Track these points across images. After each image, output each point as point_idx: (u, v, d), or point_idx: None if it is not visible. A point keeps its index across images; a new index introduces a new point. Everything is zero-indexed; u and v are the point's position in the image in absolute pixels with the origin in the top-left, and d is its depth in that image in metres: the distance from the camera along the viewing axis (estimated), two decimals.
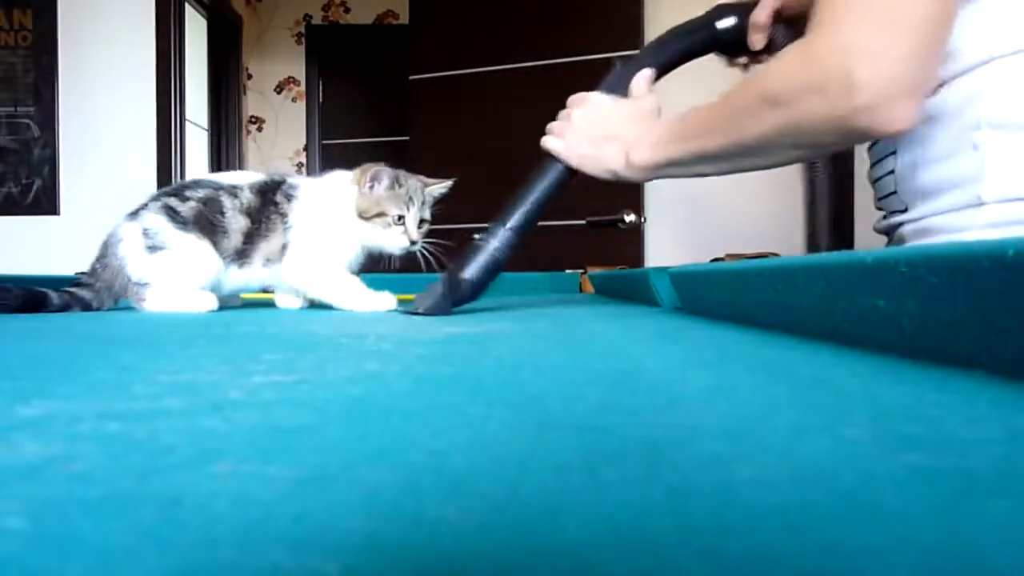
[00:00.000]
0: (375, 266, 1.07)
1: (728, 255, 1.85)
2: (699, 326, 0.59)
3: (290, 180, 1.05)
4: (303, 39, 4.11)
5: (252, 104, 4.16)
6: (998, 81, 0.59)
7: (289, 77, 4.14)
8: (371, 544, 0.12)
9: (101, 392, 0.29)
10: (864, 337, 0.36)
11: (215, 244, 0.98)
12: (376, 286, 0.99)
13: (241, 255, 1.00)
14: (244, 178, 1.04)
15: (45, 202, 2.76)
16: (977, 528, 0.13)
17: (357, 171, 1.03)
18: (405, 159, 2.79)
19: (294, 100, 4.13)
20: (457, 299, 0.78)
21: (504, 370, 0.35)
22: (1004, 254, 0.25)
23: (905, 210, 0.69)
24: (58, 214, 2.77)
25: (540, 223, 0.81)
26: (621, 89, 0.81)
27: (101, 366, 0.39)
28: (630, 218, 2.37)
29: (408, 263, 1.06)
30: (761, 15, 0.76)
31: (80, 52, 2.77)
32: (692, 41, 0.82)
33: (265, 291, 1.15)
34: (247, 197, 1.00)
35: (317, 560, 0.11)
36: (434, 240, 1.04)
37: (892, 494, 0.15)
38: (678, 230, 2.56)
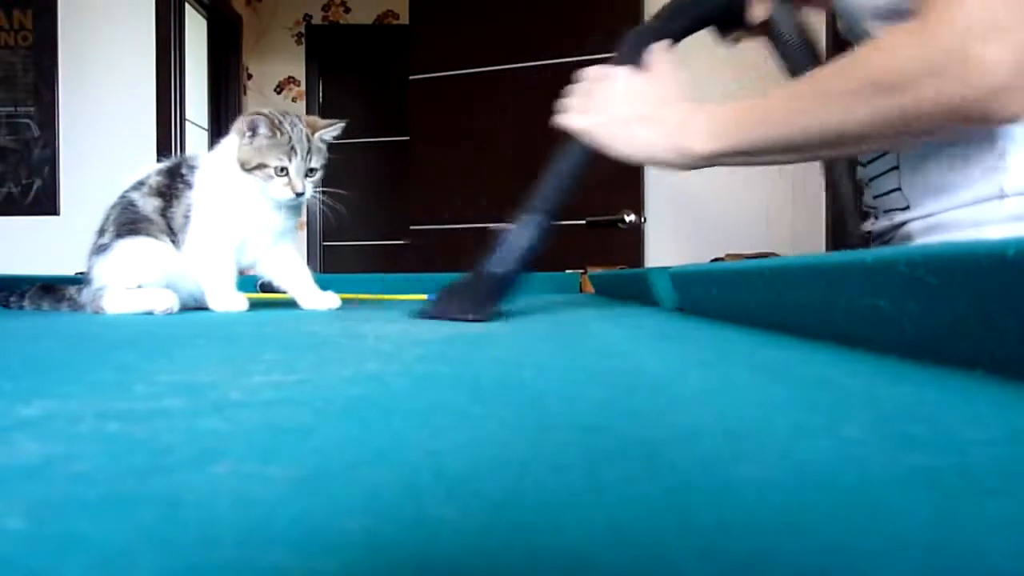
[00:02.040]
0: (368, 265, 1.02)
1: (728, 255, 1.84)
2: (699, 326, 0.59)
3: (194, 154, 1.00)
4: (303, 39, 4.11)
5: (252, 104, 4.15)
6: None
7: (289, 77, 4.14)
8: (371, 544, 0.12)
9: (101, 392, 0.29)
10: (864, 337, 0.36)
11: (148, 235, 0.94)
12: (368, 286, 0.95)
13: (173, 234, 0.96)
14: (148, 168, 1.00)
15: (45, 202, 2.76)
16: (977, 528, 0.13)
17: (238, 120, 0.97)
18: (405, 159, 2.79)
19: (294, 100, 4.13)
20: (496, 298, 0.71)
21: (504, 370, 0.35)
22: (1004, 254, 0.25)
23: (907, 208, 0.67)
24: (58, 214, 2.77)
25: None
26: (637, 61, 0.75)
27: (101, 366, 0.39)
28: (630, 218, 2.36)
29: (406, 263, 1.03)
30: None
31: (80, 52, 2.77)
32: (701, 9, 0.78)
33: (266, 290, 1.14)
34: (154, 180, 0.97)
35: (317, 560, 0.11)
36: (331, 189, 0.96)
37: (892, 494, 0.15)
38: (678, 230, 2.56)
